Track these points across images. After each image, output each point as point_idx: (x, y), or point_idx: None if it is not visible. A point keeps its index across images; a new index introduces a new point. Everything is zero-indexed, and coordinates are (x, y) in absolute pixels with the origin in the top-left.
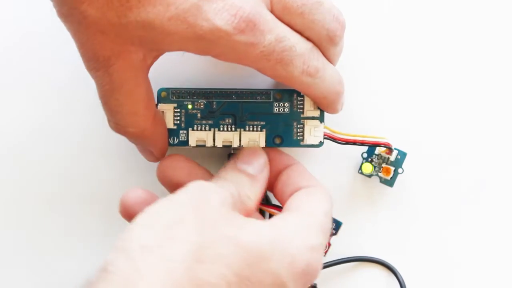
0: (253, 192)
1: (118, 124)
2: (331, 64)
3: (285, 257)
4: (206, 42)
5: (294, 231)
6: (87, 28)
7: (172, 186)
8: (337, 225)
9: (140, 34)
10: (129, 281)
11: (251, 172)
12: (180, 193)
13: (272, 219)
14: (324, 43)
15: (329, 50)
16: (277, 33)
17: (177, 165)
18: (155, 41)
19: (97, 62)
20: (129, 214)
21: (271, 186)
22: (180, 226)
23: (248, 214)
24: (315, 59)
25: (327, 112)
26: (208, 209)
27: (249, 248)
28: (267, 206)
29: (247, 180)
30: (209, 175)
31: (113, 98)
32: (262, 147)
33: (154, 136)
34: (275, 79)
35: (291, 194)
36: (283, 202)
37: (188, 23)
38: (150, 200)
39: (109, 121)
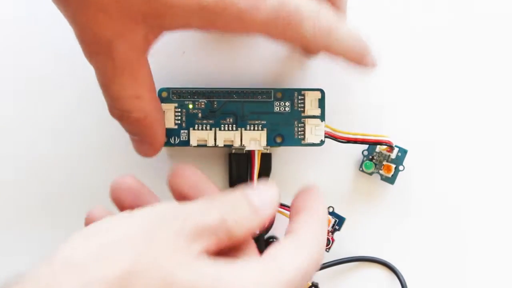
0: (245, 221)
1: (121, 109)
2: (344, 24)
3: None
4: (210, 13)
5: (245, 282)
6: (87, 8)
7: (179, 196)
8: (340, 221)
9: (142, 9)
10: None
11: (255, 203)
12: (138, 212)
13: (237, 259)
14: None
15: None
16: None
17: (186, 176)
18: (158, 15)
19: (98, 45)
20: (119, 202)
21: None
22: (118, 247)
23: (233, 244)
24: (325, 18)
25: (353, 63)
26: (158, 236)
27: (181, 286)
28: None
29: (246, 207)
30: (216, 191)
31: (116, 83)
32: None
33: (156, 123)
34: (288, 44)
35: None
36: None
37: None
38: (140, 191)
39: (111, 107)
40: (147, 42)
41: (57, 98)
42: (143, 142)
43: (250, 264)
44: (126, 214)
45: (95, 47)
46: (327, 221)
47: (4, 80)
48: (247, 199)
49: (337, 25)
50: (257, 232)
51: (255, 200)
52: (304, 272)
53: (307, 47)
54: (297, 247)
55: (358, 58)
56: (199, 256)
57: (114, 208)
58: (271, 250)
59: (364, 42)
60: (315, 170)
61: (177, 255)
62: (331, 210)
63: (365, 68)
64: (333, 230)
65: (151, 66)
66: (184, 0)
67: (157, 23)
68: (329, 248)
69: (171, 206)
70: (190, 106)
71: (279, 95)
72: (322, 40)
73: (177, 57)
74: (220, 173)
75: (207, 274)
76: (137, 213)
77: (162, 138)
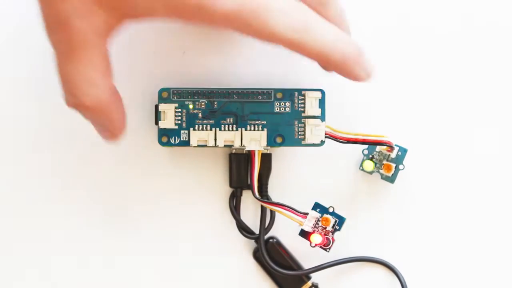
0: None
1: (73, 95)
2: (329, 23)
3: None
4: (172, 0)
5: None
6: None
7: None
8: (340, 221)
9: None
10: None
11: None
12: None
13: None
14: (313, 2)
15: (322, 11)
16: None
17: None
18: (121, 0)
19: (57, 20)
20: None
21: None
22: None
23: None
24: (301, 14)
25: (348, 78)
26: None
27: None
28: (268, 203)
29: None
30: None
31: (70, 65)
32: None
33: (110, 110)
34: (260, 39)
35: None
36: None
37: None
38: None
39: (64, 94)
40: (108, 27)
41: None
42: (102, 130)
43: None
44: None
45: (54, 22)
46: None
47: (5, 78)
48: None
49: (316, 23)
50: None
51: None
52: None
53: (282, 44)
54: None
55: (340, 63)
56: None
57: (114, 208)
58: None
59: (352, 45)
60: (315, 170)
61: None
62: (331, 210)
63: (353, 78)
64: (333, 230)
65: (151, 66)
66: None
67: (120, 8)
68: (330, 248)
69: None
70: (190, 106)
71: (279, 95)
72: (295, 37)
73: (177, 57)
74: (220, 173)
75: None
76: None
77: (121, 125)
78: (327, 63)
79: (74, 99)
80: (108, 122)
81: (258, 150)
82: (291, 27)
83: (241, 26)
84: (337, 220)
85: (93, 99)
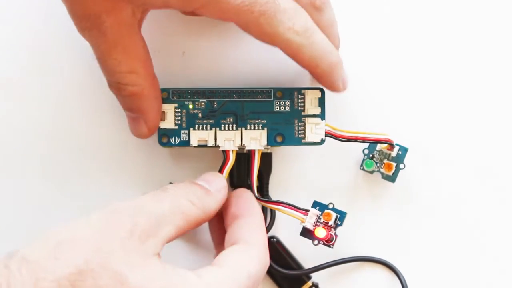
0: (200, 202)
1: (118, 83)
2: (322, 33)
3: None
4: None
5: (196, 285)
6: None
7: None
8: (341, 216)
9: None
10: None
11: (205, 185)
12: (96, 212)
13: (189, 270)
14: (308, 8)
15: (315, 17)
16: None
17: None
18: None
19: (88, 20)
20: None
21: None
22: (72, 246)
23: (189, 226)
24: (303, 18)
25: (326, 88)
26: (112, 235)
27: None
28: (268, 202)
29: (198, 189)
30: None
31: (111, 58)
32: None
33: (152, 99)
34: (261, 38)
35: (227, 247)
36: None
37: None
38: None
39: (109, 82)
40: (135, 19)
41: (56, 98)
42: (138, 120)
43: (202, 269)
44: (87, 215)
45: (86, 22)
46: (264, 223)
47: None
48: (197, 183)
49: (314, 29)
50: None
51: (205, 184)
52: (255, 276)
53: (280, 46)
54: (247, 253)
55: (327, 72)
56: (153, 257)
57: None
58: (220, 257)
59: (337, 59)
60: (316, 169)
61: (130, 256)
62: (331, 206)
63: (332, 88)
64: (335, 225)
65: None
66: None
67: (141, 2)
68: (333, 244)
69: (126, 202)
70: (190, 106)
71: (279, 94)
72: (295, 40)
73: (177, 57)
74: None
75: (158, 278)
76: (94, 213)
77: (157, 115)
78: (314, 71)
79: (119, 87)
80: (145, 111)
81: (258, 150)
82: (293, 29)
83: (249, 22)
84: (338, 216)
85: (135, 87)
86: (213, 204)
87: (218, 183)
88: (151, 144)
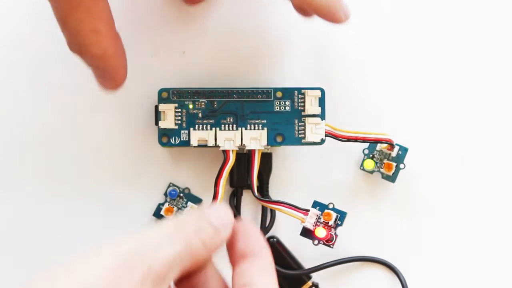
0: (209, 243)
1: (80, 45)
2: None
3: None
4: None
5: None
6: None
7: None
8: (341, 216)
9: None
10: None
11: (215, 224)
12: (107, 251)
13: None
14: None
15: None
16: None
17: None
18: None
19: None
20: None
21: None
22: None
23: (193, 266)
24: None
25: (328, 20)
26: (125, 281)
27: None
28: (268, 202)
29: (209, 229)
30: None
31: (73, 17)
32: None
33: (116, 58)
34: None
35: None
36: None
37: None
38: None
39: (69, 43)
40: None
41: (56, 98)
42: (105, 77)
43: None
44: (97, 251)
45: None
46: (274, 264)
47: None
48: (209, 220)
49: None
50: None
51: (215, 222)
52: None
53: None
54: None
55: (324, 5)
56: None
57: (114, 209)
58: None
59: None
60: (316, 169)
61: None
62: (331, 206)
63: (334, 21)
64: (336, 225)
65: (151, 66)
66: None
67: None
68: (333, 244)
69: (139, 240)
70: (190, 106)
71: (279, 94)
72: None
73: (177, 57)
74: None
75: None
76: (107, 251)
77: (123, 72)
78: (310, 5)
79: (81, 48)
80: (110, 70)
81: (258, 150)
82: None
83: None
84: (338, 215)
85: (97, 48)
86: (219, 244)
87: (226, 219)
88: (151, 144)
